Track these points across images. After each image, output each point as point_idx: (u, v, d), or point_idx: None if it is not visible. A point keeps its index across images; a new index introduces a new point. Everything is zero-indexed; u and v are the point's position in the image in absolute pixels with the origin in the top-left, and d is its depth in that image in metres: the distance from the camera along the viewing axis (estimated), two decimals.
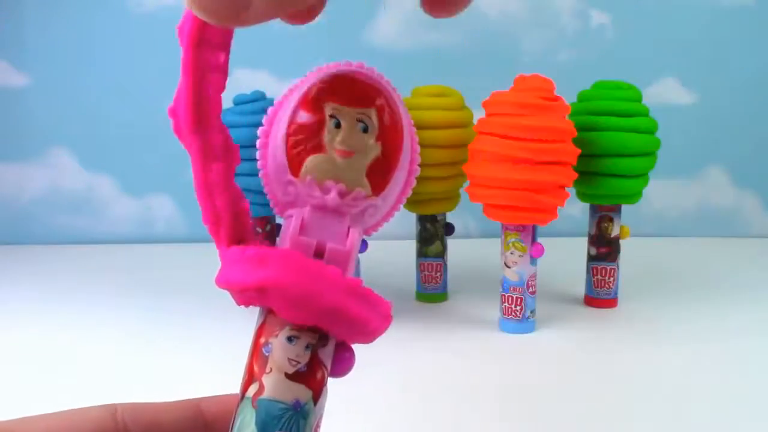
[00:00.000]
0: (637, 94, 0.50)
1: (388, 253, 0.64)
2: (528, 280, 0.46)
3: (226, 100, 0.60)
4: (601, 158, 0.48)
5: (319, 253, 0.18)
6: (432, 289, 0.54)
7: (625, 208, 0.52)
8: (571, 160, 0.45)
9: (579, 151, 0.45)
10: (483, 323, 0.49)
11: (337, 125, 0.19)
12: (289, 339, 0.18)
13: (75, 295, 0.57)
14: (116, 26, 0.74)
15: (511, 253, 0.46)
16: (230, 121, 0.50)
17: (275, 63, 0.74)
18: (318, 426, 0.18)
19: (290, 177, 0.19)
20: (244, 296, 0.18)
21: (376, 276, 0.59)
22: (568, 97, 0.47)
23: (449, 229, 0.54)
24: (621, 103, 0.48)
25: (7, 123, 0.76)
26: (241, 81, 0.73)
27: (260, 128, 0.20)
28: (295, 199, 0.19)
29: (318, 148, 0.19)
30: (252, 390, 0.18)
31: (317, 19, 0.16)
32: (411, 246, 0.56)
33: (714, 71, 0.75)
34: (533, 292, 0.47)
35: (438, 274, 0.54)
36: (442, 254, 0.54)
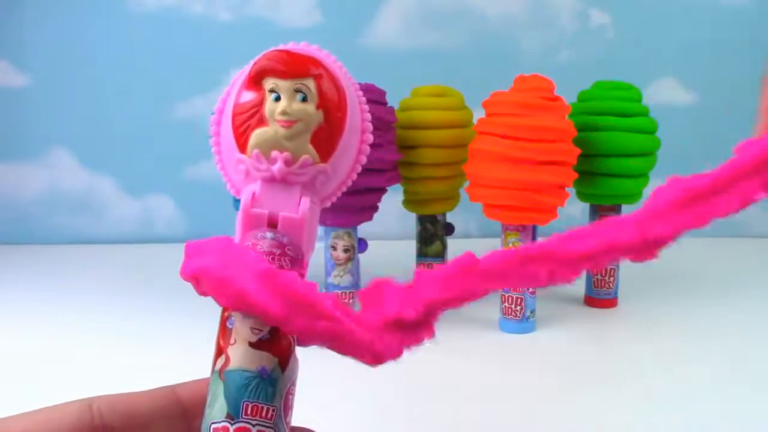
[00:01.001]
0: (637, 94, 0.50)
1: (388, 253, 0.64)
2: None
3: None
4: (601, 158, 0.48)
5: (272, 224, 0.19)
6: None
7: (625, 208, 0.52)
8: (571, 160, 0.45)
9: (579, 151, 0.45)
10: (483, 323, 0.49)
11: (277, 99, 0.19)
12: None
13: (75, 295, 0.57)
14: (116, 26, 0.74)
15: None
16: None
17: None
18: (290, 393, 0.18)
19: (239, 155, 0.20)
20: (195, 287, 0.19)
21: (376, 276, 0.59)
22: (568, 97, 0.47)
23: (449, 229, 0.54)
24: (621, 103, 0.48)
25: (7, 123, 0.76)
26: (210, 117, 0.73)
27: (211, 117, 0.21)
28: (246, 176, 0.20)
29: (261, 122, 0.19)
30: (219, 363, 0.18)
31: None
32: (411, 246, 0.56)
33: (714, 71, 0.75)
34: (533, 292, 0.47)
35: None
36: (442, 254, 0.54)
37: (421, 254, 0.54)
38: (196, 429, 0.19)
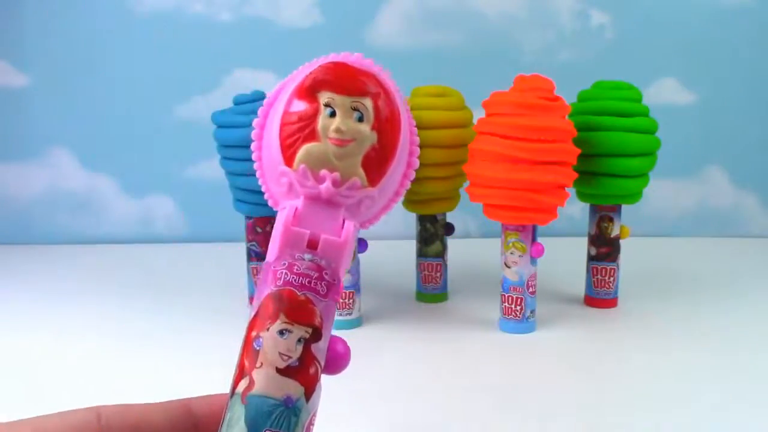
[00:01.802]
0: (637, 94, 0.50)
1: (388, 253, 0.64)
2: (528, 280, 0.46)
3: (226, 100, 0.60)
4: (601, 158, 0.48)
5: (312, 245, 0.18)
6: (432, 289, 0.54)
7: (625, 208, 0.52)
8: (571, 160, 0.45)
9: (579, 151, 0.45)
10: (483, 323, 0.49)
11: (332, 114, 0.19)
12: (281, 332, 0.17)
13: (75, 295, 0.57)
14: (116, 26, 0.74)
15: (511, 253, 0.46)
16: (230, 121, 0.50)
17: (275, 63, 0.74)
18: (311, 423, 0.18)
19: (284, 167, 0.19)
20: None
21: (376, 276, 0.59)
22: (568, 97, 0.47)
23: (449, 229, 0.54)
24: (621, 103, 0.48)
25: (7, 123, 0.76)
26: (241, 81, 0.74)
27: (255, 120, 0.20)
28: (289, 190, 0.19)
29: (312, 136, 0.18)
30: (242, 385, 0.17)
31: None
32: (411, 246, 0.56)
33: (714, 71, 0.75)
34: (533, 292, 0.47)
35: (438, 274, 0.54)
36: (442, 254, 0.54)
37: (421, 254, 0.54)
38: None
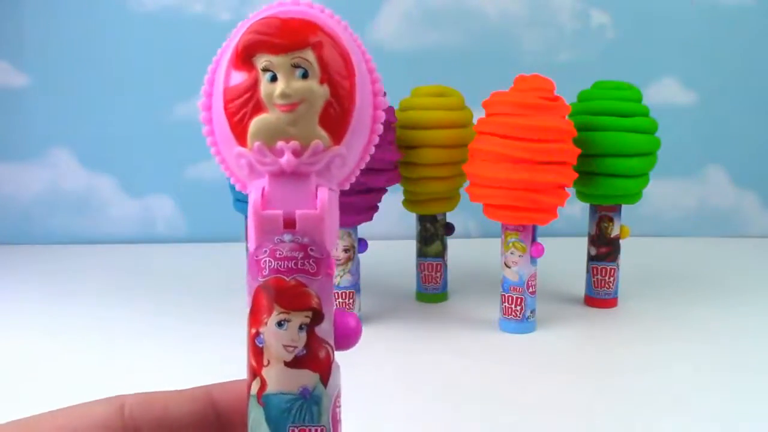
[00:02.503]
0: (637, 94, 0.50)
1: (388, 253, 0.64)
2: (528, 280, 0.46)
3: None
4: (601, 158, 0.48)
5: (289, 224, 0.17)
6: (432, 289, 0.54)
7: (625, 208, 0.52)
8: (571, 160, 0.45)
9: (579, 151, 0.45)
10: (483, 323, 0.49)
11: (273, 78, 0.17)
12: (279, 324, 0.16)
13: (75, 295, 0.57)
14: (116, 26, 0.74)
15: (511, 253, 0.46)
16: None
17: None
18: (336, 405, 0.17)
19: (239, 148, 0.17)
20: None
21: (376, 276, 0.59)
22: (568, 97, 0.47)
23: (449, 229, 0.54)
24: (621, 103, 0.48)
25: (7, 123, 0.76)
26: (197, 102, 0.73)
27: (199, 101, 0.18)
28: (251, 170, 0.17)
29: (258, 108, 0.17)
30: (255, 387, 0.17)
31: None
32: (411, 246, 0.56)
33: (714, 71, 0.75)
34: (533, 292, 0.47)
35: (438, 274, 0.54)
36: (442, 254, 0.54)
37: (421, 254, 0.54)
38: None
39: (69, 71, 0.75)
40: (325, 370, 0.17)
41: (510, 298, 0.47)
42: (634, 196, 0.50)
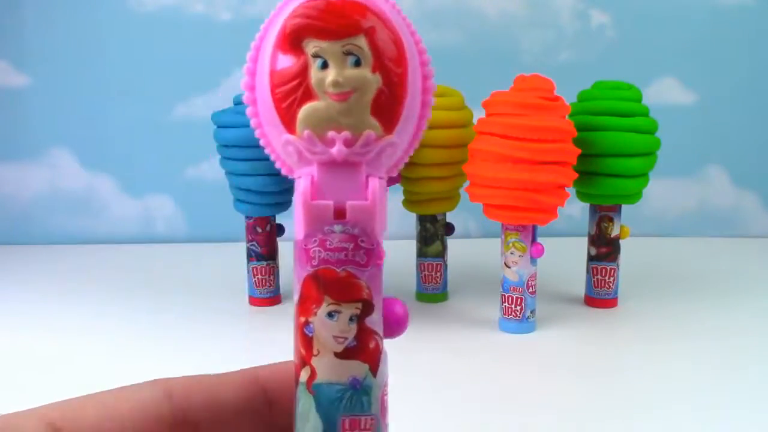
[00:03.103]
0: (637, 94, 0.50)
1: (388, 253, 0.64)
2: (528, 280, 0.46)
3: (226, 99, 0.60)
4: (601, 158, 0.48)
5: (340, 214, 0.16)
6: (432, 289, 0.54)
7: (625, 208, 0.52)
8: (571, 160, 0.45)
9: (579, 151, 0.45)
10: (483, 323, 0.49)
11: (324, 65, 0.16)
12: (330, 315, 0.16)
13: (75, 296, 0.57)
14: (117, 26, 0.74)
15: (511, 253, 0.46)
16: (230, 121, 0.50)
17: None
18: (384, 394, 0.17)
19: (287, 135, 0.17)
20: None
21: None
22: (568, 97, 0.47)
23: (449, 229, 0.54)
24: (621, 103, 0.48)
25: (7, 123, 0.76)
26: (241, 81, 0.73)
27: (243, 81, 0.18)
28: (300, 158, 0.17)
29: (309, 95, 0.16)
30: (304, 375, 0.16)
31: None
32: (411, 246, 0.56)
33: (714, 71, 0.75)
34: (533, 292, 0.47)
35: (438, 274, 0.54)
36: (442, 254, 0.54)
37: (421, 254, 0.54)
38: (279, 425, 0.17)
39: (69, 71, 0.75)
40: (374, 361, 0.17)
41: (510, 298, 0.47)
42: (634, 196, 0.50)
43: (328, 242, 0.16)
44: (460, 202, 0.54)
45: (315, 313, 0.16)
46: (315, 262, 0.16)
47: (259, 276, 0.53)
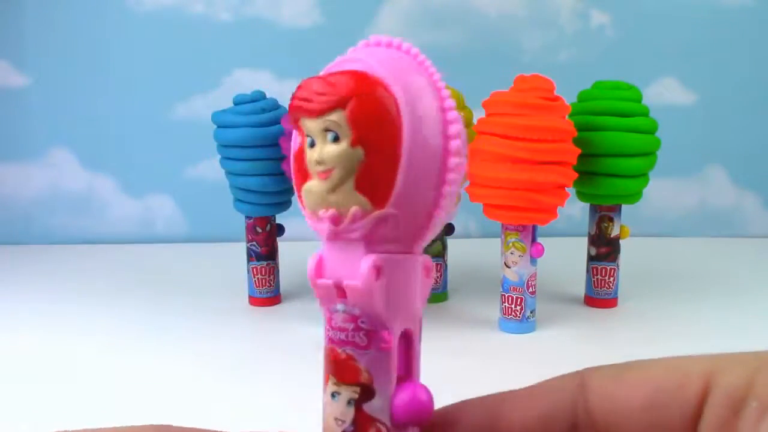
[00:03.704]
0: (637, 94, 0.50)
1: None
2: (528, 280, 0.46)
3: (226, 100, 0.60)
4: (601, 158, 0.48)
5: (342, 292, 0.16)
6: (432, 289, 0.54)
7: (625, 208, 0.52)
8: (571, 160, 0.45)
9: (579, 151, 0.45)
10: (483, 323, 0.49)
11: (312, 144, 0.16)
12: (333, 395, 0.16)
13: (75, 295, 0.57)
14: (117, 26, 0.74)
15: (511, 253, 0.46)
16: (230, 121, 0.50)
17: (275, 63, 0.74)
18: None
19: (303, 210, 0.17)
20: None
21: None
22: (568, 97, 0.47)
23: (449, 229, 0.54)
24: (621, 103, 0.48)
25: (7, 123, 0.76)
26: (241, 81, 0.73)
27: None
28: (317, 234, 0.17)
29: (306, 174, 0.16)
30: None
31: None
32: None
33: (714, 71, 0.75)
34: (533, 292, 0.47)
35: (438, 274, 0.54)
36: (442, 254, 0.54)
37: None
38: None
39: (69, 71, 0.75)
40: None
41: (510, 298, 0.47)
42: (634, 196, 0.50)
43: (333, 321, 0.16)
44: (460, 202, 0.54)
45: (324, 390, 0.16)
46: (326, 339, 0.16)
47: (259, 276, 0.53)
